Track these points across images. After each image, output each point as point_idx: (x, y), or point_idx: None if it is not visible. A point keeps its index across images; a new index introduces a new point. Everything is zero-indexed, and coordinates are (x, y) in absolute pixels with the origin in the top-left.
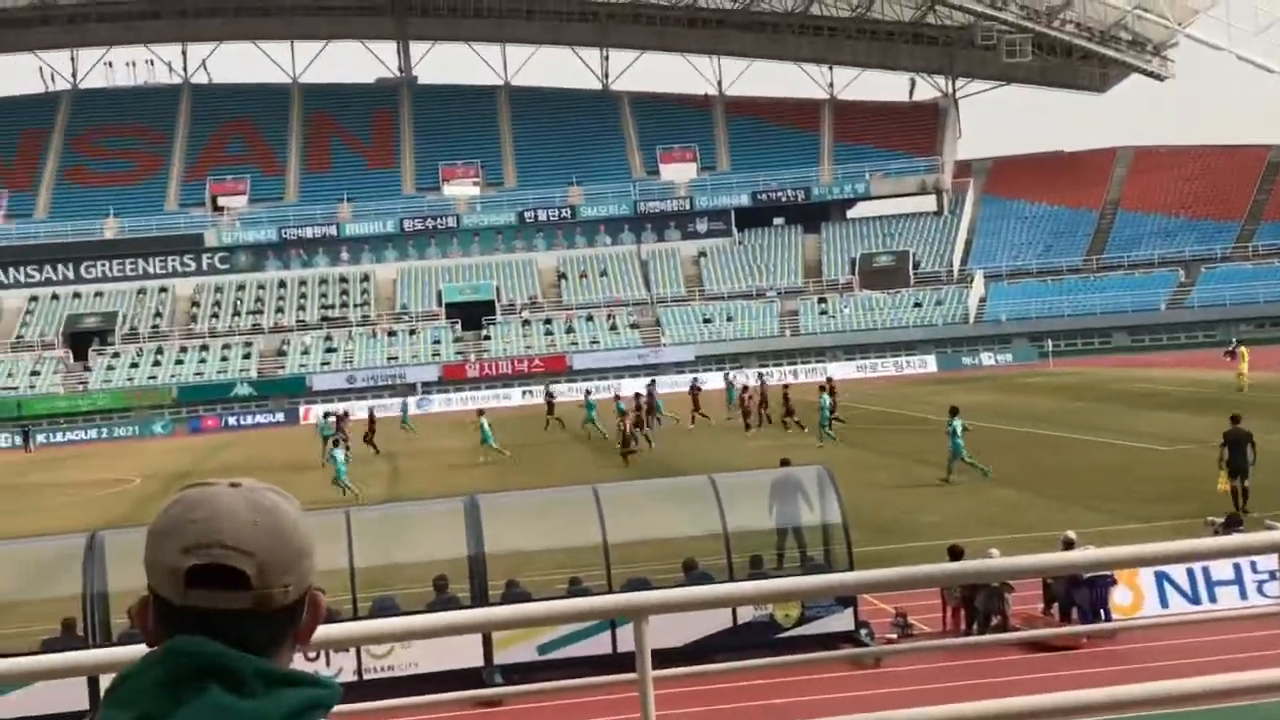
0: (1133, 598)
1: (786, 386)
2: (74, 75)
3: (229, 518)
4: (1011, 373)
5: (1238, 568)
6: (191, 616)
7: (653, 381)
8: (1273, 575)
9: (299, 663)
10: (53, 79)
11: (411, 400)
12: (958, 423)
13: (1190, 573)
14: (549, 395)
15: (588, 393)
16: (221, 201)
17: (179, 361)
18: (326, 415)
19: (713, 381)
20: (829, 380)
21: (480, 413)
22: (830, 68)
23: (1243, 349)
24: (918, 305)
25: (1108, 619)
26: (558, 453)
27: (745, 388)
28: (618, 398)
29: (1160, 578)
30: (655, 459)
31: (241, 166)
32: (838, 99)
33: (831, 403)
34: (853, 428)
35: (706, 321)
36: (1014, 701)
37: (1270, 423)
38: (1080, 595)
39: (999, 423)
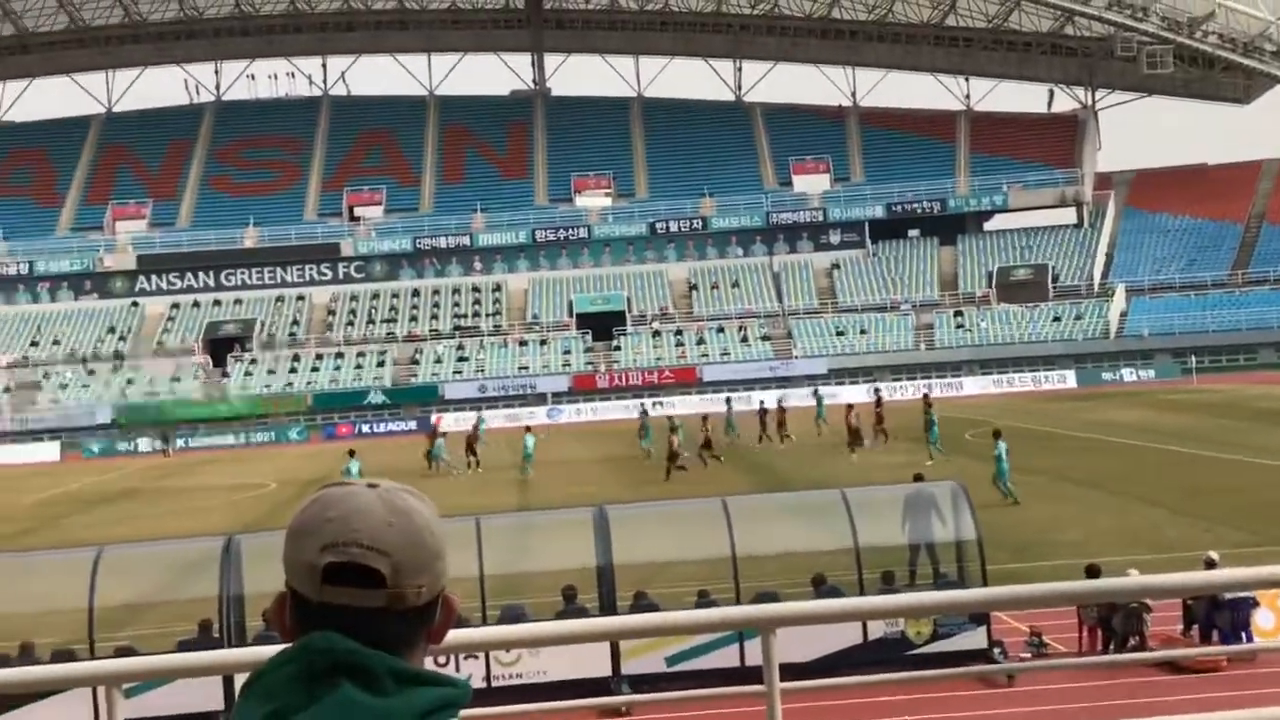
0: (1275, 620)
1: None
2: (218, 87)
3: (366, 517)
4: (1154, 389)
5: None
6: (327, 613)
7: (729, 399)
8: None
9: (430, 666)
10: (197, 91)
11: (489, 414)
12: (1002, 445)
13: None
14: (644, 413)
15: (644, 411)
16: (358, 212)
17: (314, 369)
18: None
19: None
20: (926, 395)
21: (528, 429)
22: (966, 78)
23: None
24: (1056, 319)
25: (1249, 641)
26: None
27: (850, 406)
28: (670, 418)
29: None
30: (767, 475)
31: (378, 177)
32: (974, 110)
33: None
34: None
35: (839, 334)
36: None
37: None
38: (1221, 617)
39: (1142, 440)
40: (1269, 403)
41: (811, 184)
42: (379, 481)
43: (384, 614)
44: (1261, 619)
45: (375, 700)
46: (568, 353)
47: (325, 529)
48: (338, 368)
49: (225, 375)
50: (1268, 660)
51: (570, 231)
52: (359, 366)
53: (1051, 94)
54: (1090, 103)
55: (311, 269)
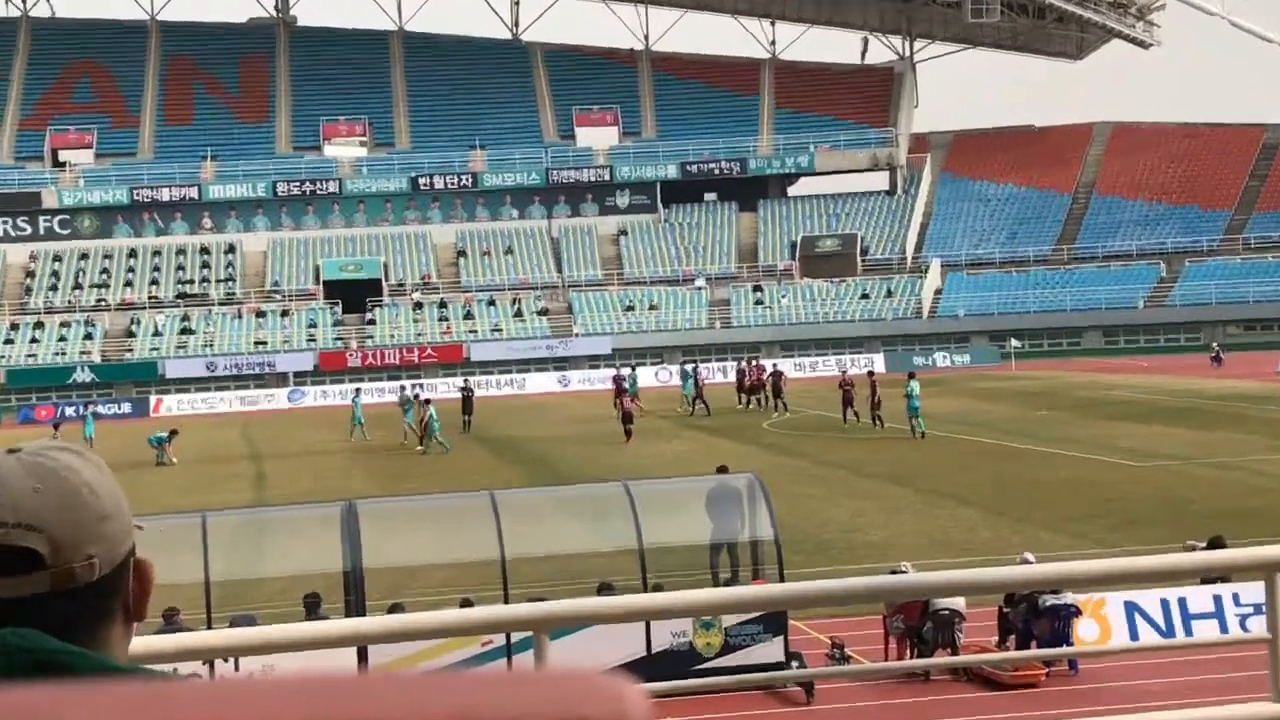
0: (1099, 631)
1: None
2: None
3: (4, 489)
4: (969, 375)
5: (1218, 599)
6: None
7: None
8: (1258, 609)
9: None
10: None
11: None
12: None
13: (1164, 603)
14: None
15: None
16: (63, 155)
17: (9, 341)
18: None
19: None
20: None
21: (427, 402)
22: (772, 23)
23: None
24: (865, 297)
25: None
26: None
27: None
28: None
29: (1130, 609)
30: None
31: (88, 115)
32: (780, 59)
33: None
34: (791, 435)
35: (627, 309)
36: None
37: None
38: (1040, 626)
39: (953, 430)
40: (1094, 392)
41: (597, 138)
42: (22, 445)
43: (56, 598)
44: (1084, 629)
45: None
46: (313, 326)
47: None
48: (36, 340)
49: None
50: (1090, 676)
51: (318, 185)
52: (62, 339)
53: (866, 43)
54: (908, 54)
55: (6, 222)
